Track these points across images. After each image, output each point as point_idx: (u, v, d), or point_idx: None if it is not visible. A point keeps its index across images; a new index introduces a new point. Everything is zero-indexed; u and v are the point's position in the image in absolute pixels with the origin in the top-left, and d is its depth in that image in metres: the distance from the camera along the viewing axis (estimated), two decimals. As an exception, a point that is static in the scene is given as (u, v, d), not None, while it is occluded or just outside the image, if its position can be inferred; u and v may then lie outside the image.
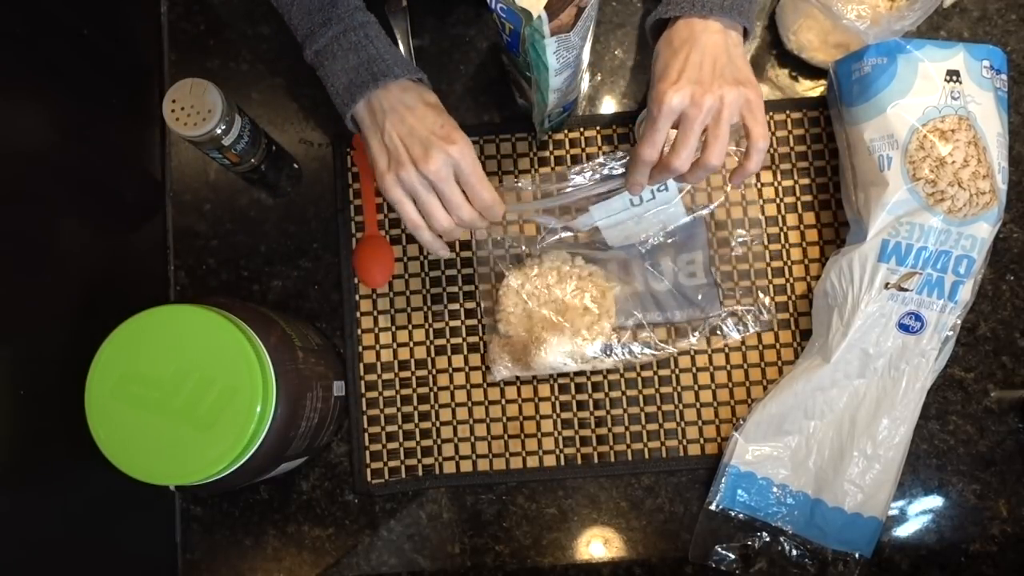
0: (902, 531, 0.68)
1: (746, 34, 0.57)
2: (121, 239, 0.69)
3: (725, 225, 0.71)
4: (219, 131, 0.63)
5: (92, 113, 0.66)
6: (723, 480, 0.66)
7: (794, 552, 0.66)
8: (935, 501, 0.68)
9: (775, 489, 0.66)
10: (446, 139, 0.54)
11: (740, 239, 0.71)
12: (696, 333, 0.69)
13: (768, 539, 0.66)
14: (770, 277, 0.70)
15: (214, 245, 0.72)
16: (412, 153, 0.55)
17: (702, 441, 0.69)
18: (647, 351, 0.69)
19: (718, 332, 0.69)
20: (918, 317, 0.63)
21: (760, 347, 0.70)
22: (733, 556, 0.66)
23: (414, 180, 0.55)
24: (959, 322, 0.64)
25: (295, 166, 0.74)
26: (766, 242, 0.71)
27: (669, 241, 0.70)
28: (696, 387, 0.69)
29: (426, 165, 0.54)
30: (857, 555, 0.65)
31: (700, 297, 0.69)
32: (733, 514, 0.67)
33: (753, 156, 0.55)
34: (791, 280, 0.70)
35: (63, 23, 0.62)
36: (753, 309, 0.70)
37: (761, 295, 0.70)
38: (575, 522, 0.69)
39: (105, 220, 0.67)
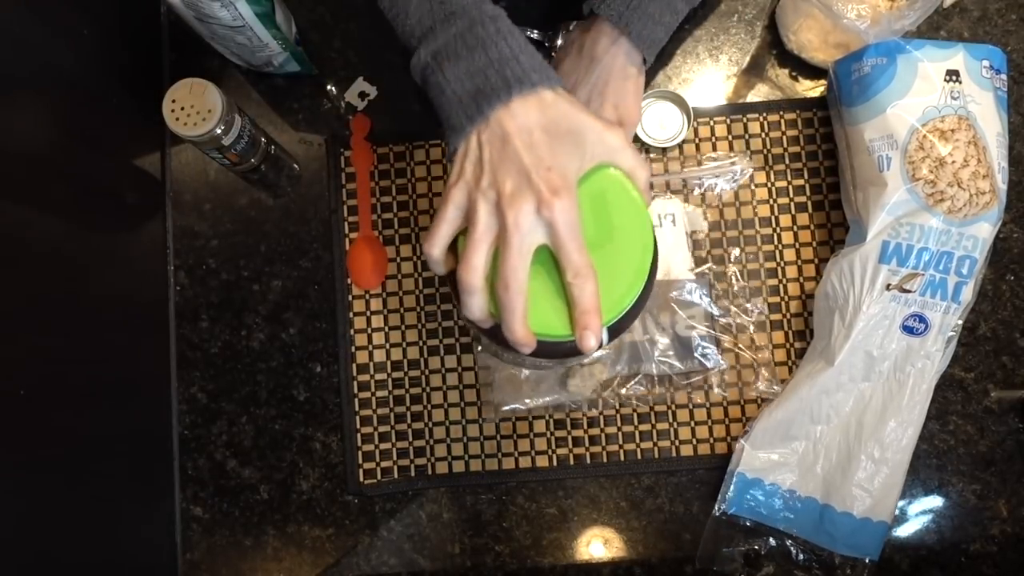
0: (902, 531, 0.68)
1: (644, 62, 0.63)
2: (121, 239, 0.70)
3: (730, 285, 0.70)
4: (219, 131, 0.63)
5: (92, 113, 0.66)
6: (731, 487, 0.66)
7: (801, 556, 0.66)
8: (935, 501, 0.68)
9: (783, 495, 0.66)
10: (549, 185, 0.43)
11: (750, 304, 0.70)
12: (690, 386, 0.69)
13: (775, 544, 0.66)
14: (763, 278, 0.70)
15: (214, 245, 0.72)
16: (498, 181, 0.44)
17: (694, 442, 0.69)
18: (637, 400, 0.68)
19: (713, 388, 0.69)
20: (922, 319, 0.63)
21: (753, 348, 0.70)
22: (740, 562, 0.66)
23: (482, 211, 0.44)
24: (961, 323, 0.63)
25: (295, 166, 0.74)
26: (759, 243, 0.71)
27: (675, 295, 0.69)
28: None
29: (509, 206, 0.43)
30: (867, 559, 0.65)
31: (700, 350, 0.68)
32: (741, 521, 0.66)
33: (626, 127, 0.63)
34: (784, 281, 0.70)
35: (63, 23, 0.62)
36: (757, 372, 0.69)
37: (763, 368, 0.69)
38: (575, 522, 0.69)
39: (105, 220, 0.67)
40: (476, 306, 0.45)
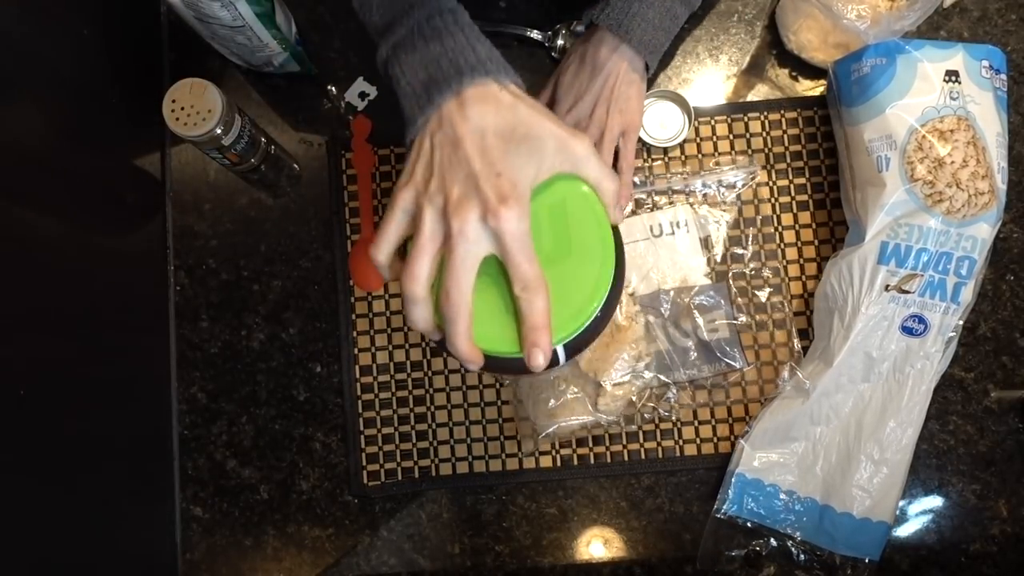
0: (902, 531, 0.68)
1: (647, 68, 0.63)
2: (121, 239, 0.70)
3: (746, 283, 0.70)
4: (219, 131, 0.63)
5: (92, 113, 0.66)
6: (730, 487, 0.66)
7: (802, 557, 0.66)
8: (935, 501, 0.68)
9: (783, 496, 0.66)
10: (497, 193, 0.40)
11: (765, 294, 0.70)
12: (724, 390, 0.69)
13: (776, 545, 0.66)
14: (765, 276, 0.70)
15: (214, 245, 0.72)
16: (446, 186, 0.42)
17: (698, 441, 0.69)
18: (668, 412, 0.68)
19: (745, 388, 0.69)
20: (921, 319, 0.63)
21: (756, 347, 0.70)
22: (741, 563, 0.66)
23: (428, 217, 0.42)
24: (961, 323, 0.63)
25: (295, 166, 0.74)
26: (761, 242, 0.71)
27: (695, 301, 0.69)
28: (690, 387, 0.69)
29: (454, 213, 0.41)
30: (867, 559, 0.65)
31: (726, 350, 0.68)
32: (741, 521, 0.66)
33: (623, 176, 0.64)
34: (786, 280, 0.70)
35: (63, 23, 0.62)
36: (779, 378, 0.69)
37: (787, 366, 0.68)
38: (575, 522, 0.69)
39: (105, 220, 0.67)
40: (420, 317, 0.43)
